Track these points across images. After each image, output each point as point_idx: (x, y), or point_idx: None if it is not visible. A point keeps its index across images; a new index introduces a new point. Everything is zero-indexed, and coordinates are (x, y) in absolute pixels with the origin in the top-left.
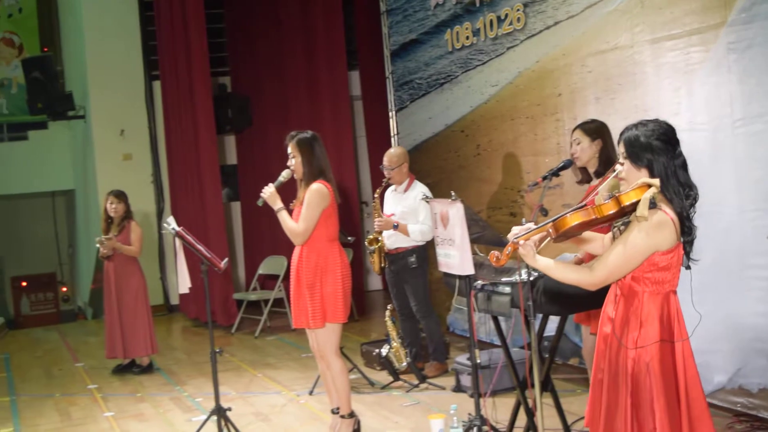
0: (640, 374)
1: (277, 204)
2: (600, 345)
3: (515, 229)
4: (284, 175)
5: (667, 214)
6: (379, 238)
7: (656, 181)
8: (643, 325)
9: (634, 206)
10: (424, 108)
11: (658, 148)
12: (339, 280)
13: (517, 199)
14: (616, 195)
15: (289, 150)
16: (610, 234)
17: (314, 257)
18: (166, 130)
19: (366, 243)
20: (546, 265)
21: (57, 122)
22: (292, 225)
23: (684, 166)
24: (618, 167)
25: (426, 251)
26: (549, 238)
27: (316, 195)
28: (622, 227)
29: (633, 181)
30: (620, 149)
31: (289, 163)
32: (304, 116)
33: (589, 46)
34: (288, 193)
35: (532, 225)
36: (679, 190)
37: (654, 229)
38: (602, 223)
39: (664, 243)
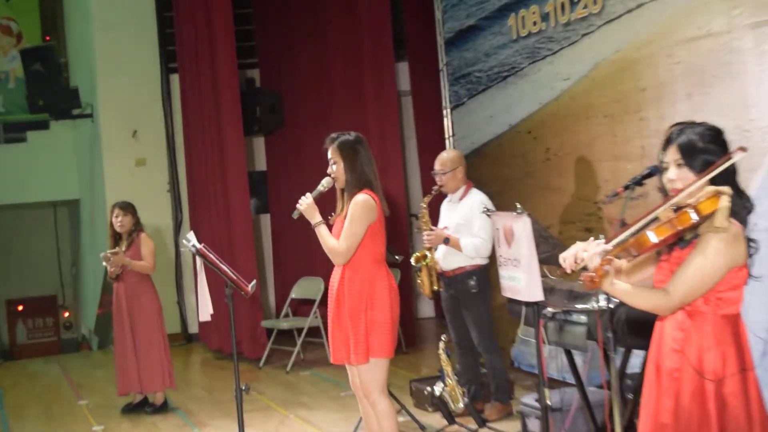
0: (727, 409)
1: (315, 217)
2: (662, 382)
3: (595, 246)
4: (324, 183)
5: (739, 226)
6: (428, 254)
7: (728, 189)
8: (719, 352)
9: (706, 217)
10: (484, 105)
11: (717, 152)
12: (387, 308)
13: (593, 212)
14: (693, 204)
15: (330, 155)
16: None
17: (358, 280)
18: (186, 130)
19: (412, 260)
20: (624, 290)
21: (60, 122)
22: (333, 242)
23: (736, 173)
24: (673, 174)
25: (488, 273)
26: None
27: (361, 208)
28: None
29: (689, 189)
30: (672, 155)
31: (329, 170)
32: (345, 115)
33: (677, 33)
34: (327, 204)
35: (601, 242)
36: (737, 200)
37: (733, 242)
38: (675, 238)
39: (740, 257)
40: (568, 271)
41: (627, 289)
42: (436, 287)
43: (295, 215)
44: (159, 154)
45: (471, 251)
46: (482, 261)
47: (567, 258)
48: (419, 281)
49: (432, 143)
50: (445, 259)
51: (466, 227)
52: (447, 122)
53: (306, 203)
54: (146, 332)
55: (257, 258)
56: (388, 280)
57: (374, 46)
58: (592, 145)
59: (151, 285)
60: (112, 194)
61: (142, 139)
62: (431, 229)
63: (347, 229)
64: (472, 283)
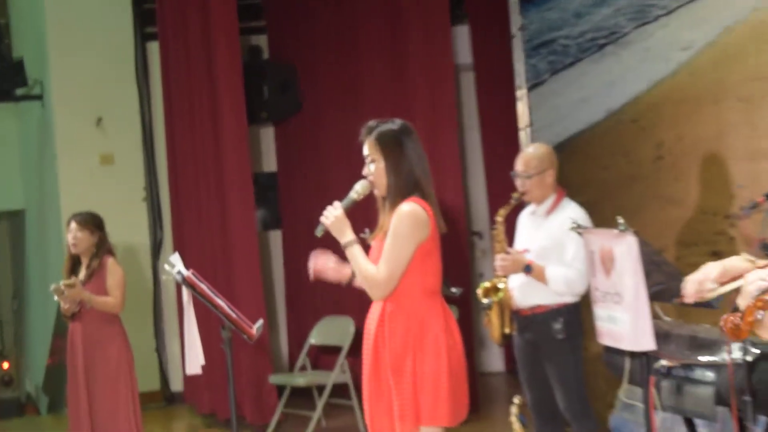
0: None
1: (345, 234)
2: None
3: (756, 280)
4: (358, 189)
5: None
6: (500, 286)
7: None
8: None
9: None
10: (572, 84)
11: None
12: (443, 356)
13: (723, 231)
14: None
15: (366, 150)
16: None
17: (403, 319)
18: (168, 118)
19: (478, 293)
20: None
21: None
22: (370, 269)
23: None
24: None
25: (580, 313)
26: None
27: (408, 221)
28: None
29: None
30: None
31: (365, 171)
32: (382, 97)
33: None
34: (361, 216)
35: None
36: None
37: None
38: None
39: None
40: (686, 300)
41: None
42: (507, 330)
43: (318, 232)
44: (131, 149)
45: (561, 285)
46: (573, 298)
47: (690, 283)
48: (486, 321)
49: (501, 136)
50: (523, 293)
51: (555, 252)
52: (522, 107)
53: (334, 216)
54: (108, 392)
55: (265, 289)
56: (444, 318)
57: (425, 7)
58: (721, 139)
59: (118, 328)
60: (68, 203)
61: (109, 129)
62: (507, 252)
63: (389, 250)
64: (558, 326)
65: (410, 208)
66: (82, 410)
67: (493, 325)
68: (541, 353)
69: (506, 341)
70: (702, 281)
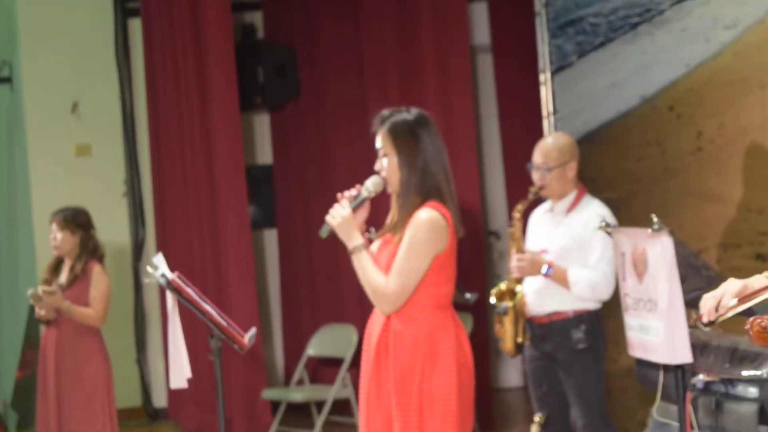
0: None
1: (353, 238)
2: None
3: (733, 288)
4: (369, 185)
5: None
6: (517, 290)
7: None
8: None
9: None
10: (602, 68)
11: None
12: (453, 374)
13: None
14: None
15: (378, 143)
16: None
17: (410, 334)
18: (151, 104)
19: (492, 298)
20: None
21: None
22: (379, 280)
23: None
24: None
25: (601, 322)
26: None
27: (426, 232)
28: None
29: None
30: None
31: (377, 166)
32: (393, 82)
33: None
34: (371, 214)
35: None
36: None
37: None
38: None
39: None
40: (705, 319)
41: None
42: (520, 339)
43: (323, 233)
44: (111, 138)
45: (585, 290)
46: (594, 305)
47: (707, 300)
48: (498, 329)
49: (522, 125)
50: (539, 298)
51: (577, 253)
52: (546, 93)
53: (341, 216)
54: (82, 412)
55: (259, 295)
56: (455, 334)
57: None
58: None
59: (96, 342)
60: (40, 199)
61: (86, 116)
62: (523, 252)
63: (403, 261)
64: (579, 335)
65: (428, 216)
66: (51, 428)
67: (507, 333)
68: (559, 365)
69: (519, 352)
70: (720, 297)
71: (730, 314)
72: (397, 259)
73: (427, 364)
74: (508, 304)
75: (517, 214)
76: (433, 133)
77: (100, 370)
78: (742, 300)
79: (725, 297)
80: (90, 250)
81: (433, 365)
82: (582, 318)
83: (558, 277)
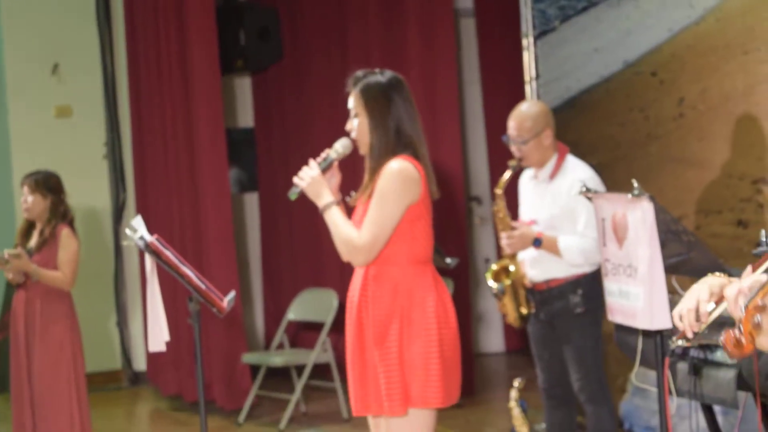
0: None
1: (323, 196)
2: None
3: (733, 292)
4: (338, 147)
5: None
6: (511, 268)
7: None
8: None
9: None
10: (585, 32)
11: None
12: (434, 334)
13: (750, 197)
14: None
15: (350, 103)
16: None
17: (388, 288)
18: (132, 66)
19: (488, 278)
20: None
21: None
22: (351, 233)
23: None
24: None
25: (600, 284)
26: None
27: (397, 180)
28: None
29: None
30: None
31: (348, 126)
32: (376, 45)
33: None
34: (349, 177)
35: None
36: None
37: None
38: None
39: None
40: (689, 333)
41: None
42: (525, 310)
43: (292, 195)
44: (92, 100)
45: (576, 257)
46: (590, 267)
47: (685, 314)
48: (501, 306)
49: (505, 90)
50: (535, 266)
51: (566, 220)
52: (528, 57)
53: (310, 177)
54: (47, 376)
55: (239, 258)
56: (435, 289)
57: None
58: (751, 94)
59: (65, 307)
60: (20, 161)
61: (67, 77)
62: (512, 227)
63: (374, 212)
64: (577, 299)
65: (400, 166)
66: (24, 391)
67: (509, 308)
68: (558, 330)
69: (525, 322)
70: (696, 307)
71: (711, 320)
72: (369, 211)
73: (406, 318)
74: (504, 282)
75: (498, 191)
76: (406, 96)
77: (67, 338)
78: (719, 302)
79: (701, 305)
80: (60, 214)
81: (412, 320)
82: (579, 282)
83: (549, 247)
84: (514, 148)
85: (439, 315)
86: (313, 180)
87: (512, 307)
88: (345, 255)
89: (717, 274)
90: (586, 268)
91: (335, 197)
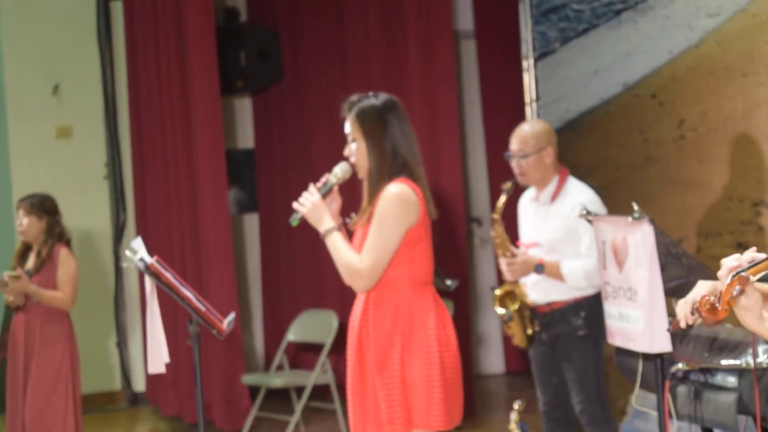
0: None
1: (323, 222)
2: None
3: (733, 261)
4: (337, 172)
5: None
6: (516, 292)
7: None
8: None
9: None
10: (585, 54)
11: None
12: (435, 356)
13: (751, 220)
14: None
15: (347, 128)
16: None
17: (389, 312)
18: (132, 87)
19: (495, 304)
20: None
21: None
22: (353, 258)
23: None
24: None
25: (601, 307)
26: None
27: (396, 204)
28: None
29: None
30: None
31: (346, 152)
32: (376, 67)
33: None
34: (348, 200)
35: (762, 255)
36: None
37: None
38: None
39: None
40: (683, 324)
41: None
42: (530, 331)
43: (293, 221)
44: (92, 121)
45: (580, 281)
46: (593, 290)
47: (683, 305)
48: (508, 330)
49: (505, 111)
50: (537, 289)
51: (568, 243)
52: (529, 79)
53: (311, 203)
54: (43, 397)
55: (239, 279)
56: (436, 312)
57: None
58: (751, 117)
59: (65, 328)
60: (20, 182)
61: (68, 97)
62: (513, 254)
63: (374, 236)
64: (579, 322)
65: (398, 190)
66: (19, 412)
67: (516, 331)
68: (560, 352)
69: (532, 342)
70: (693, 300)
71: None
72: (369, 236)
73: (407, 341)
74: (512, 308)
75: (495, 216)
76: (402, 117)
77: (66, 356)
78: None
79: (698, 300)
80: (56, 234)
81: (413, 342)
82: (581, 304)
83: (551, 272)
84: (514, 164)
85: (440, 337)
86: (313, 206)
87: (520, 330)
88: (347, 280)
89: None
90: (589, 291)
91: (336, 222)
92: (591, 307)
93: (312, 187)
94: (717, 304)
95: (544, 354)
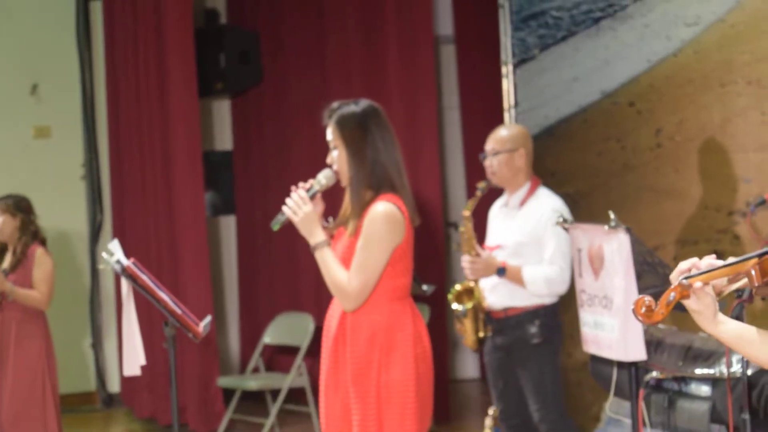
0: None
1: (315, 234)
2: None
3: (686, 264)
4: (322, 179)
5: None
6: (474, 291)
7: None
8: None
9: None
10: (564, 61)
11: None
12: (411, 368)
13: (727, 228)
14: None
15: (329, 135)
16: None
17: (367, 325)
18: (111, 86)
19: (450, 298)
20: (737, 334)
21: None
22: (342, 277)
23: None
24: None
25: (558, 316)
26: (748, 288)
27: (383, 225)
28: None
29: None
30: None
31: (328, 159)
32: (356, 70)
33: None
34: (327, 204)
35: (720, 262)
36: None
37: None
38: None
39: None
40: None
41: (742, 333)
42: (482, 334)
43: (275, 225)
44: (70, 121)
45: (541, 287)
46: (551, 299)
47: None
48: (459, 327)
49: (484, 117)
50: (495, 294)
51: (532, 248)
52: (508, 85)
53: (303, 212)
54: (20, 393)
55: (216, 282)
56: (413, 325)
57: None
58: (728, 127)
59: (40, 327)
60: None
61: (46, 97)
62: (477, 253)
63: (361, 259)
64: (534, 329)
65: (384, 210)
66: None
67: (467, 331)
68: (515, 359)
69: (481, 346)
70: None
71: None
72: (356, 256)
73: (384, 356)
74: (467, 305)
75: (466, 213)
76: (383, 124)
77: (42, 355)
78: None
79: (673, 274)
80: (31, 232)
81: (390, 357)
82: (537, 313)
83: (513, 276)
84: (487, 163)
85: (416, 350)
86: (306, 216)
87: (471, 330)
88: (334, 295)
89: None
90: (546, 299)
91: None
92: (547, 316)
93: (303, 192)
94: (654, 307)
95: (499, 361)
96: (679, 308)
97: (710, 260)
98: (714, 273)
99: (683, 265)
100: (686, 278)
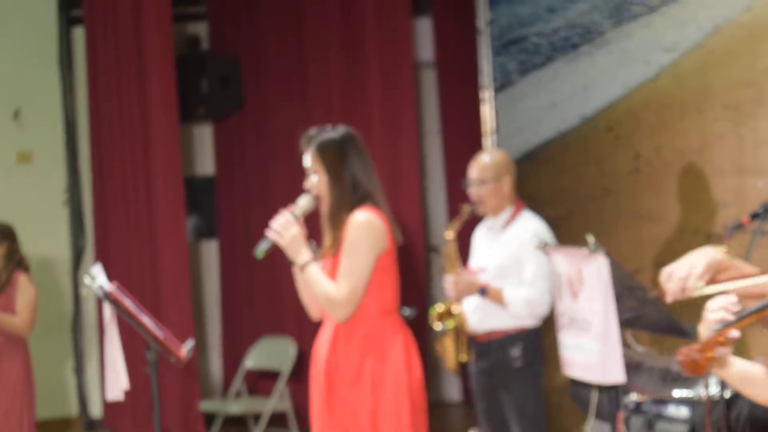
0: None
1: (302, 254)
2: None
3: (718, 314)
4: (301, 204)
5: None
6: (454, 311)
7: None
8: None
9: None
10: (544, 87)
11: None
12: (403, 384)
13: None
14: None
15: (307, 161)
16: None
17: (358, 343)
18: (93, 112)
19: (431, 318)
20: (745, 375)
21: None
22: (331, 288)
23: None
24: None
25: (539, 339)
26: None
27: (364, 230)
28: None
29: None
30: None
31: (307, 185)
32: (337, 96)
33: None
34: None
35: (730, 300)
36: None
37: None
38: None
39: None
40: (669, 299)
41: (749, 373)
42: (463, 357)
43: (259, 253)
44: (53, 146)
45: (521, 309)
46: (533, 322)
47: (674, 281)
48: (440, 348)
49: (464, 141)
50: (478, 316)
51: (513, 270)
52: (488, 110)
53: (290, 235)
54: (2, 416)
55: (198, 306)
56: (404, 341)
57: None
58: (705, 151)
59: (21, 349)
60: None
61: (28, 123)
62: (459, 272)
63: (347, 264)
64: (516, 353)
65: (365, 217)
66: None
67: (448, 352)
68: (497, 382)
69: (462, 369)
70: (686, 279)
71: (695, 294)
72: (341, 264)
73: (378, 375)
74: (447, 324)
75: (450, 234)
76: (360, 149)
77: (20, 380)
78: (709, 283)
79: (691, 279)
80: (15, 260)
81: (384, 375)
82: (520, 336)
83: (494, 297)
84: (473, 191)
85: (408, 365)
86: (293, 238)
87: (452, 351)
88: (326, 309)
89: (718, 248)
90: (528, 322)
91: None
92: (529, 340)
93: (288, 216)
94: (700, 362)
95: (484, 384)
96: (682, 335)
97: (725, 299)
98: (749, 319)
99: (715, 315)
100: (722, 327)
